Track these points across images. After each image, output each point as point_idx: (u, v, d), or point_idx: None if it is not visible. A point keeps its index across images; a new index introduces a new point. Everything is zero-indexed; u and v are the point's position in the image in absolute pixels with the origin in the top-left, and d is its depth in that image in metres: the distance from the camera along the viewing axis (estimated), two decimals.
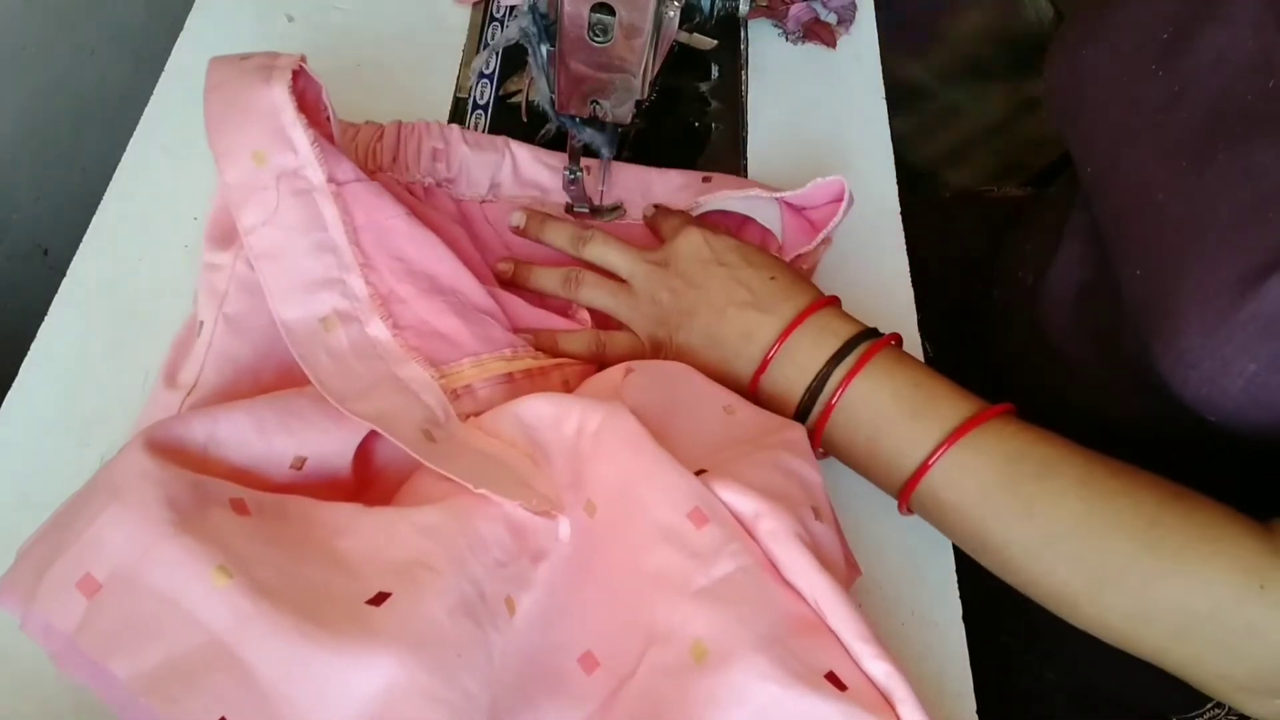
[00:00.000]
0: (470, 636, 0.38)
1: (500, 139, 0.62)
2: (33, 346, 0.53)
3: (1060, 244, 0.62)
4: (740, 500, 0.44)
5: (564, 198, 0.61)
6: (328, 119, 0.53)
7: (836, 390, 0.48)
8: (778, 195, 0.60)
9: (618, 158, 0.62)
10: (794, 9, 0.73)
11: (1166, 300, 0.46)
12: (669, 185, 0.63)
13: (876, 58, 0.74)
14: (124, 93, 0.91)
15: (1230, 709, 0.62)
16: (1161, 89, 0.50)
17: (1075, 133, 0.56)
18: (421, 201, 0.58)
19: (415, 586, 0.38)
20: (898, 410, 0.47)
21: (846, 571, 0.47)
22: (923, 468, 0.46)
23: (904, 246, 0.64)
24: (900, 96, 0.72)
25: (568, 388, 0.52)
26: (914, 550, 0.52)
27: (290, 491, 0.44)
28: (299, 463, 0.45)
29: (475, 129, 0.64)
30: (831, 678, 0.39)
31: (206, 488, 0.40)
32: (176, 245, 0.58)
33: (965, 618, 0.51)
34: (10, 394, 0.52)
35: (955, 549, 0.52)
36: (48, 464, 0.50)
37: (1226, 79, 0.47)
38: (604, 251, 0.56)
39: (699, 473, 0.45)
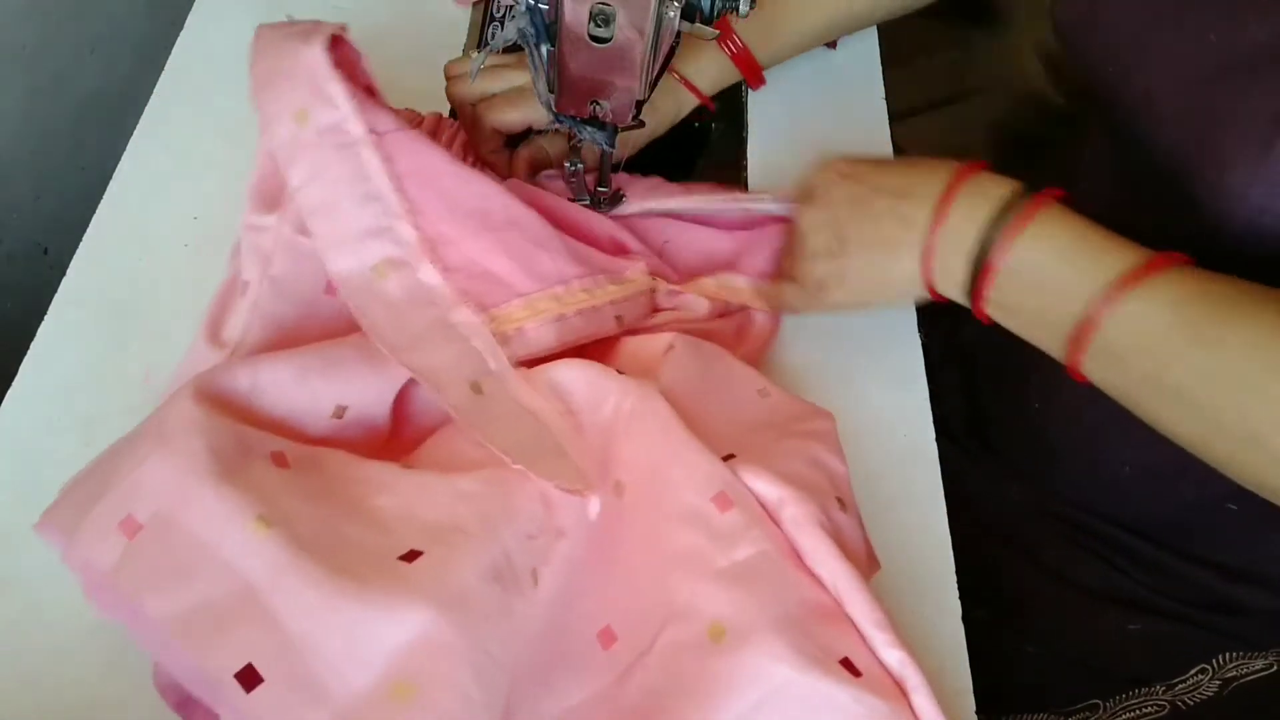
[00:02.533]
0: (497, 601, 0.39)
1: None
2: (33, 346, 0.53)
3: (1074, 186, 0.62)
4: (766, 487, 0.44)
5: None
6: (368, 89, 0.53)
7: (1000, 250, 0.46)
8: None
9: (616, 161, 0.62)
10: None
11: (1208, 145, 0.45)
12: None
13: (876, 58, 0.74)
14: (124, 93, 0.91)
15: (1214, 674, 0.62)
16: None
17: (1095, 43, 0.55)
18: None
19: (448, 547, 0.39)
20: (1067, 263, 0.45)
21: (867, 564, 0.47)
22: (1095, 315, 0.44)
23: None
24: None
25: (621, 324, 0.52)
26: (914, 550, 0.52)
27: (330, 441, 0.45)
28: (339, 411, 0.46)
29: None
30: (846, 664, 0.40)
31: (249, 439, 0.41)
32: (176, 245, 0.58)
33: None
34: (10, 394, 0.52)
35: (955, 549, 0.53)
36: (48, 464, 0.50)
37: None
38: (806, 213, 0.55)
39: (727, 458, 0.45)
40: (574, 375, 0.48)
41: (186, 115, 0.64)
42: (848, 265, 0.52)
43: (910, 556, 0.52)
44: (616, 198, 0.61)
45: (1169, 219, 0.47)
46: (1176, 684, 0.64)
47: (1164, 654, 0.63)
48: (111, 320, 0.55)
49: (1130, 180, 0.57)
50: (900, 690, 0.40)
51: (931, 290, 0.50)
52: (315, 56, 0.49)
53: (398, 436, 0.49)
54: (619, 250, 0.57)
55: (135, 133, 0.62)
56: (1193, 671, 0.63)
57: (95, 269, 0.56)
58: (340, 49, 0.51)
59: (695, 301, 0.56)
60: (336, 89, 0.49)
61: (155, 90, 0.64)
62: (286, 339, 0.49)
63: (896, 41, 0.77)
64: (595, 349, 0.53)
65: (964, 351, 0.71)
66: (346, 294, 0.48)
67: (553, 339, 0.50)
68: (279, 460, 0.41)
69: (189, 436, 0.39)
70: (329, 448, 0.44)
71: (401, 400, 0.49)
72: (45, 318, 0.54)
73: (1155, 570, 0.62)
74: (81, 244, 0.57)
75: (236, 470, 0.39)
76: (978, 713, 0.48)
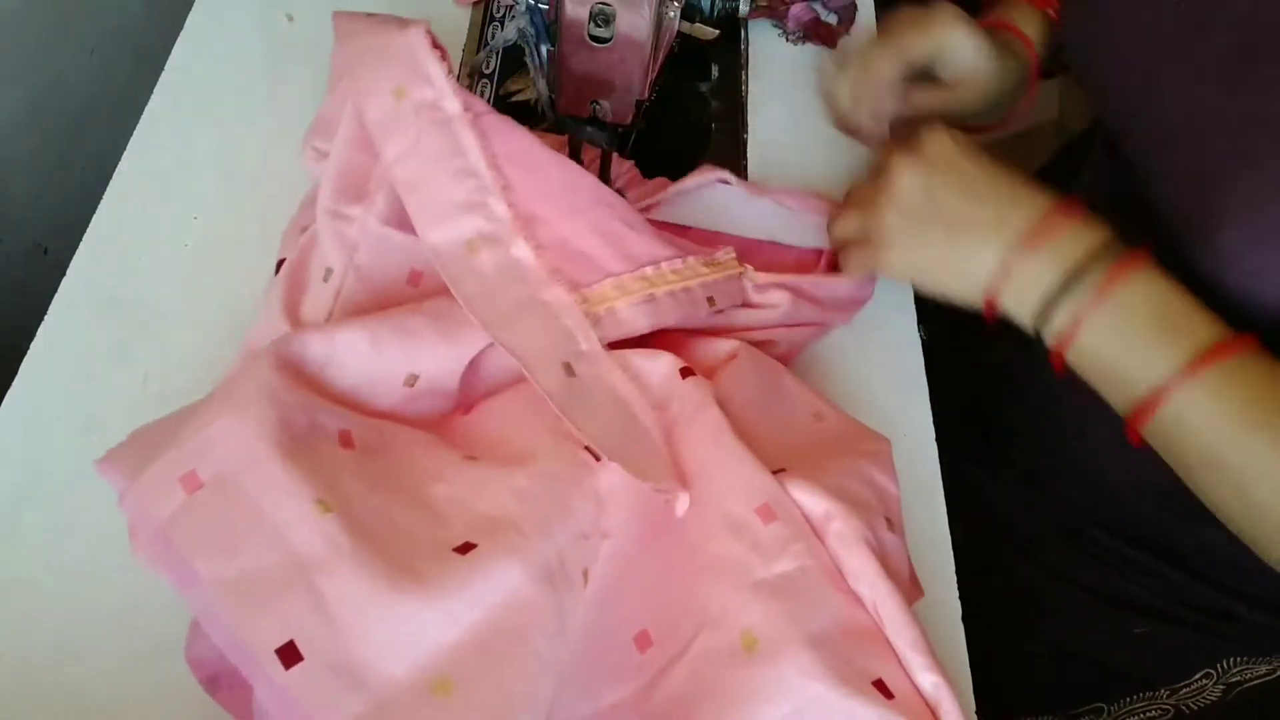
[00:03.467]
0: (546, 601, 0.39)
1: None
2: (33, 346, 0.53)
3: (1076, 183, 0.62)
4: (813, 500, 0.44)
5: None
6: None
7: (1091, 303, 0.46)
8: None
9: (618, 154, 0.62)
10: (794, 9, 0.73)
11: (1208, 204, 0.46)
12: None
13: None
14: (124, 93, 0.91)
15: (1218, 679, 0.62)
16: (1187, 21, 0.50)
17: (1100, 75, 0.56)
18: None
19: (501, 544, 0.39)
20: (1146, 330, 0.46)
21: (910, 587, 0.47)
22: (1165, 388, 0.45)
23: None
24: None
25: (713, 305, 0.52)
26: (915, 550, 0.52)
27: (400, 410, 0.46)
28: (411, 379, 0.46)
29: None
30: (879, 685, 0.40)
31: (319, 415, 0.41)
32: (177, 245, 0.58)
33: None
34: (10, 394, 0.52)
35: (954, 551, 0.53)
36: (48, 464, 0.50)
37: (1252, 3, 0.47)
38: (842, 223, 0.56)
39: (778, 471, 0.45)
40: (652, 367, 0.48)
41: (186, 115, 0.64)
42: (928, 232, 0.50)
43: (912, 555, 0.52)
44: (618, 196, 0.61)
45: (1163, 258, 0.48)
46: (1180, 688, 0.63)
47: (1168, 657, 0.63)
48: (111, 320, 0.55)
49: (1127, 209, 0.58)
50: (933, 715, 0.40)
51: (990, 303, 0.50)
52: (416, 37, 0.50)
53: (463, 403, 0.49)
54: (710, 242, 0.57)
55: (135, 133, 0.62)
56: (1197, 676, 0.63)
57: (95, 269, 0.56)
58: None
59: (780, 298, 0.55)
60: (435, 68, 0.50)
61: (155, 90, 0.64)
62: None
63: None
64: (664, 342, 0.52)
65: (966, 352, 0.71)
66: (440, 266, 0.48)
67: (644, 320, 0.50)
68: (345, 440, 0.42)
69: (261, 404, 0.40)
70: (396, 423, 0.44)
71: (475, 365, 0.49)
72: (45, 318, 0.54)
73: (1157, 578, 0.62)
74: (81, 244, 0.57)
75: (302, 447, 0.40)
76: (981, 715, 0.47)
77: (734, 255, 0.55)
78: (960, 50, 0.57)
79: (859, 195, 0.56)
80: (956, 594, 0.51)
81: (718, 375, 0.49)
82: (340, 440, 0.41)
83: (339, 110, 0.54)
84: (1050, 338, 0.48)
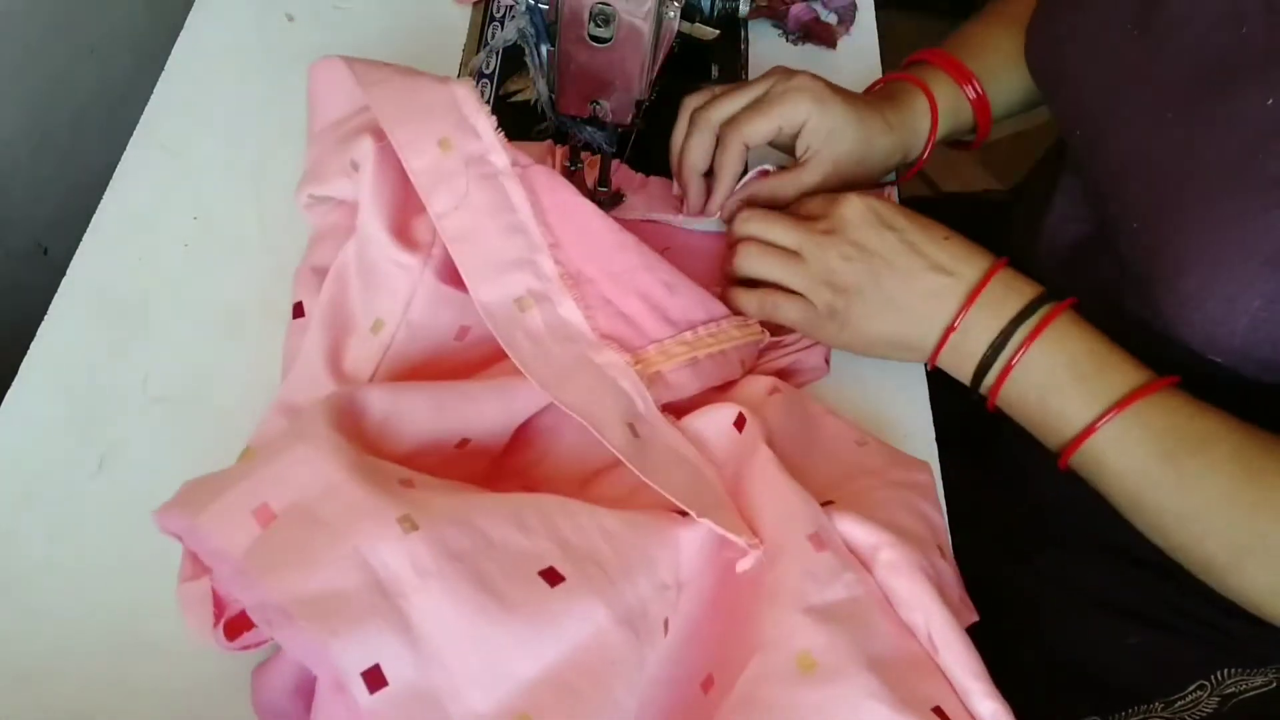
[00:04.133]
0: (629, 648, 0.39)
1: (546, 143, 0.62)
2: (33, 346, 0.53)
3: (1052, 202, 0.62)
4: (861, 532, 0.44)
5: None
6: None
7: (1018, 350, 0.49)
8: None
9: (619, 157, 0.62)
10: (794, 9, 0.73)
11: (1167, 247, 0.47)
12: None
13: (877, 58, 0.74)
14: (124, 93, 0.91)
15: (1212, 691, 0.62)
16: (1140, 48, 0.51)
17: (1061, 99, 0.57)
18: None
19: (588, 583, 0.39)
20: (1071, 374, 0.49)
21: (961, 610, 0.47)
22: (1087, 431, 0.47)
23: None
24: None
25: (745, 367, 0.53)
26: None
27: (450, 464, 0.45)
28: (462, 443, 0.46)
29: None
30: (939, 712, 0.40)
31: (379, 465, 0.41)
32: (176, 245, 0.58)
33: None
34: (10, 394, 0.52)
35: (956, 552, 0.52)
36: (48, 464, 0.50)
37: (1201, 31, 0.48)
38: (765, 226, 0.55)
39: (826, 504, 0.46)
40: (710, 428, 0.48)
41: (186, 115, 0.64)
42: (870, 309, 0.52)
43: None
44: (617, 198, 0.61)
45: (1130, 289, 0.48)
46: (1175, 700, 0.63)
47: (1162, 669, 0.63)
48: (111, 320, 0.55)
49: (1098, 229, 0.58)
50: None
51: (930, 362, 0.53)
52: (464, 90, 0.50)
53: (507, 463, 0.49)
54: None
55: (135, 133, 0.62)
56: (1191, 688, 0.63)
57: (95, 269, 0.56)
58: None
59: (789, 336, 0.57)
60: (482, 122, 0.50)
61: (155, 91, 0.64)
62: (410, 379, 0.49)
63: (896, 42, 0.77)
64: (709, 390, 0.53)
65: None
66: (493, 325, 0.48)
67: (691, 384, 0.50)
68: (408, 485, 0.41)
69: (331, 435, 0.39)
70: (452, 480, 0.44)
71: (518, 430, 0.49)
72: (45, 318, 0.54)
73: (1148, 587, 0.62)
74: (81, 244, 0.57)
75: (376, 474, 0.39)
76: None
77: (757, 324, 0.55)
78: (811, 133, 0.57)
79: (777, 275, 0.55)
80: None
81: (762, 411, 0.50)
82: (403, 485, 0.41)
83: (331, 155, 0.53)
84: (984, 390, 0.52)
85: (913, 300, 0.51)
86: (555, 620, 0.37)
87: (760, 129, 0.56)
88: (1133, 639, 0.62)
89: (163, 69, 0.65)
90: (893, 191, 0.64)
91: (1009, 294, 0.50)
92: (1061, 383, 0.49)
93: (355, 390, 0.44)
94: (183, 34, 0.67)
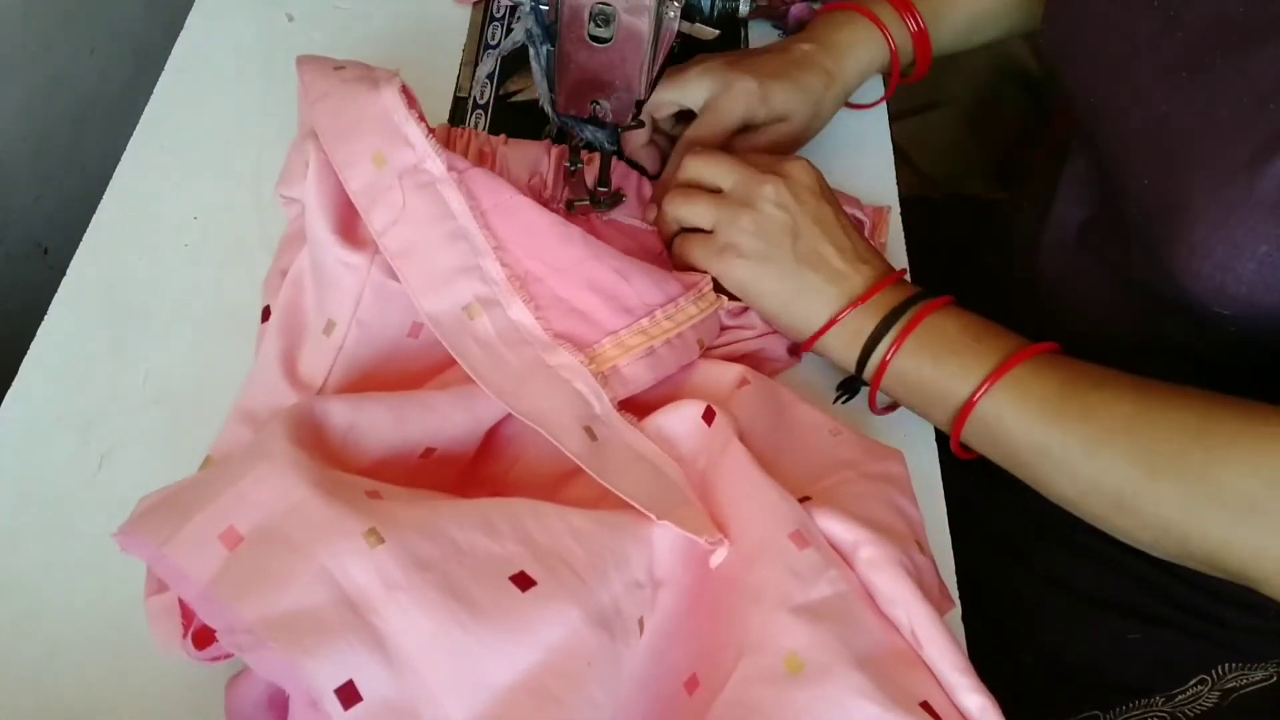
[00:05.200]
0: (604, 648, 0.39)
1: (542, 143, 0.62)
2: (33, 346, 0.53)
3: (1057, 190, 0.63)
4: (841, 529, 0.44)
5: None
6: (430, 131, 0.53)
7: (913, 321, 0.50)
8: None
9: (619, 156, 0.62)
10: (794, 9, 0.73)
11: (1176, 199, 0.47)
12: None
13: None
14: (124, 93, 0.91)
15: (1213, 685, 0.62)
16: (1157, 15, 0.51)
17: (1075, 69, 0.57)
18: None
19: (560, 585, 0.39)
20: (967, 335, 0.49)
21: (941, 602, 0.47)
22: (980, 388, 0.48)
23: (904, 246, 0.64)
24: None
25: (702, 348, 0.53)
26: None
27: (417, 474, 0.45)
28: (427, 453, 0.46)
29: (475, 128, 0.64)
30: (926, 706, 0.40)
31: (344, 479, 0.40)
32: (176, 245, 0.58)
33: None
34: (10, 394, 0.52)
35: (955, 552, 0.52)
36: (48, 464, 0.50)
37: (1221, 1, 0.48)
38: (704, 164, 0.55)
39: (803, 500, 0.45)
40: (677, 425, 0.48)
41: (186, 116, 0.64)
42: (775, 259, 0.52)
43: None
44: (617, 197, 0.61)
45: (1137, 260, 0.48)
46: (1176, 695, 0.63)
47: (1163, 664, 0.63)
48: (111, 320, 0.55)
49: (1104, 208, 0.58)
50: None
51: (810, 342, 0.53)
52: (390, 100, 0.50)
53: (476, 471, 0.49)
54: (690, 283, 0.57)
55: (135, 133, 0.62)
56: (1192, 682, 0.63)
57: (95, 269, 0.56)
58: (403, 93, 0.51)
59: (753, 318, 0.56)
60: (413, 130, 0.49)
61: (155, 91, 0.64)
62: (367, 380, 0.49)
63: None
64: (670, 379, 0.52)
65: None
66: (442, 336, 0.47)
67: (647, 376, 0.50)
68: (375, 496, 0.40)
69: (293, 451, 0.39)
70: (420, 490, 0.43)
71: (493, 430, 0.49)
72: (45, 318, 0.54)
73: (1146, 581, 0.62)
74: (81, 244, 0.57)
75: (341, 486, 0.39)
76: None
77: (710, 284, 0.54)
78: (713, 101, 0.59)
79: (691, 193, 0.56)
80: (957, 595, 0.51)
81: (731, 405, 0.49)
82: (369, 496, 0.40)
83: (296, 154, 0.53)
84: (868, 373, 0.52)
85: (822, 269, 0.52)
86: (528, 625, 0.37)
87: (658, 99, 0.59)
88: (1133, 634, 0.62)
89: (163, 69, 0.65)
90: (886, 212, 0.64)
91: (901, 289, 0.52)
92: (955, 348, 0.49)
93: (315, 402, 0.43)
94: (183, 34, 0.67)
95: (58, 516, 0.48)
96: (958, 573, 0.52)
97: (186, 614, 0.40)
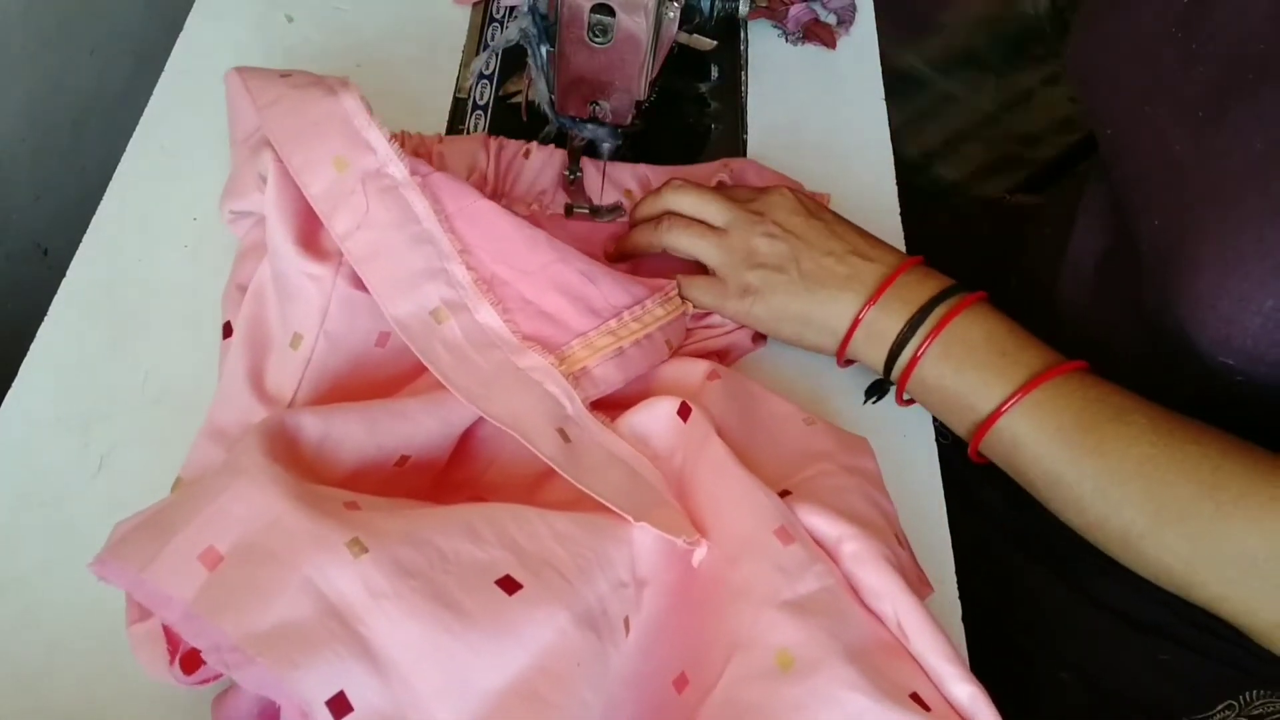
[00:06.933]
0: (592, 649, 0.39)
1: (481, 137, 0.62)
2: (33, 346, 0.53)
3: (1077, 217, 0.62)
4: (825, 523, 0.44)
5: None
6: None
7: (935, 328, 0.50)
8: None
9: (618, 158, 0.62)
10: (794, 10, 0.73)
11: (1185, 246, 0.47)
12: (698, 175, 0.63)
13: (876, 59, 0.74)
14: (124, 93, 0.91)
15: (1240, 711, 0.62)
16: (1180, 49, 0.51)
17: (1096, 97, 0.58)
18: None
19: (546, 588, 0.38)
20: (990, 349, 0.49)
21: (921, 589, 0.47)
22: (1001, 409, 0.48)
23: (904, 247, 0.64)
24: (892, 86, 0.73)
25: (670, 347, 0.53)
26: (914, 550, 0.52)
27: (392, 482, 0.45)
28: (402, 460, 0.46)
29: (475, 129, 0.64)
30: (915, 698, 0.40)
31: (321, 491, 0.40)
32: (176, 245, 0.58)
33: (978, 617, 0.51)
34: (10, 394, 0.52)
35: (955, 551, 0.53)
36: (48, 464, 0.50)
37: (1243, 33, 0.48)
38: (695, 200, 0.56)
39: (783, 494, 0.46)
40: (652, 422, 0.48)
41: (186, 116, 0.64)
42: (785, 286, 0.53)
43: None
44: (616, 207, 0.61)
45: (1149, 298, 0.48)
46: (1201, 719, 0.63)
47: (1191, 687, 0.63)
48: (111, 320, 0.55)
49: (1115, 246, 0.58)
50: None
51: (840, 351, 0.53)
52: (351, 104, 0.50)
53: (452, 476, 0.49)
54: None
55: (135, 133, 0.62)
56: (1219, 708, 0.63)
57: (95, 269, 0.56)
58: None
59: (717, 316, 0.56)
60: (374, 135, 0.49)
61: (155, 91, 0.64)
62: (336, 391, 0.49)
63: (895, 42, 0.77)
64: (640, 377, 0.52)
65: None
66: (409, 340, 0.47)
67: (617, 376, 0.50)
68: (353, 507, 0.40)
69: (267, 465, 0.38)
70: (398, 498, 0.43)
71: (467, 433, 0.49)
72: (45, 318, 0.54)
73: (1178, 605, 0.62)
74: (81, 244, 0.57)
75: (320, 499, 0.38)
76: None
77: (676, 288, 0.54)
78: None
79: (705, 258, 0.55)
80: (956, 594, 0.51)
81: (703, 399, 0.49)
82: (348, 508, 0.40)
83: (246, 167, 0.52)
84: (895, 374, 0.52)
85: (829, 280, 0.52)
86: (516, 628, 0.37)
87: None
88: (1163, 655, 0.62)
89: (163, 69, 0.65)
90: (826, 198, 0.64)
91: (926, 280, 0.52)
92: (980, 359, 0.49)
93: (287, 415, 0.43)
94: (183, 34, 0.67)
95: (58, 516, 0.48)
96: (993, 589, 0.51)
97: (171, 639, 0.40)
